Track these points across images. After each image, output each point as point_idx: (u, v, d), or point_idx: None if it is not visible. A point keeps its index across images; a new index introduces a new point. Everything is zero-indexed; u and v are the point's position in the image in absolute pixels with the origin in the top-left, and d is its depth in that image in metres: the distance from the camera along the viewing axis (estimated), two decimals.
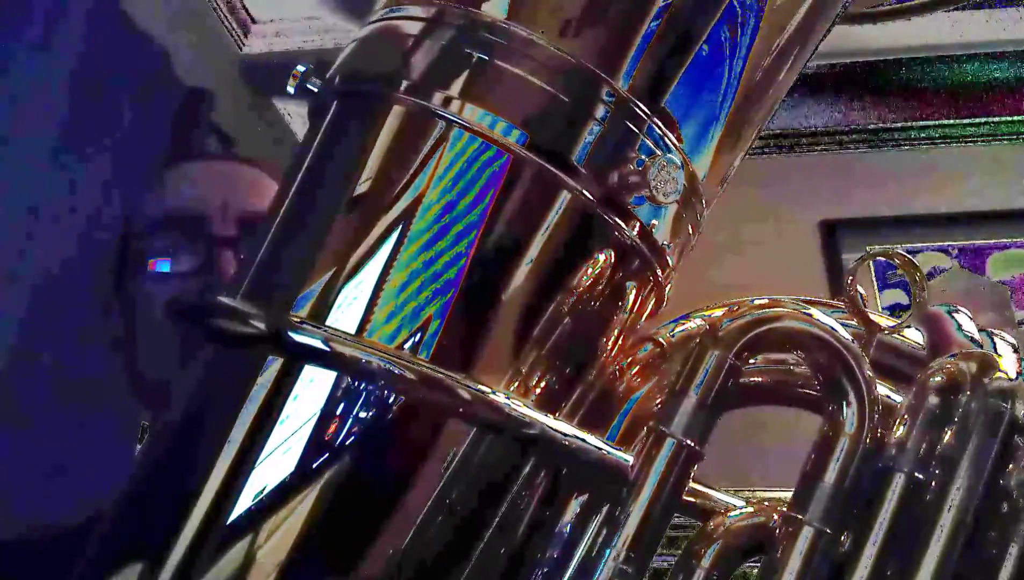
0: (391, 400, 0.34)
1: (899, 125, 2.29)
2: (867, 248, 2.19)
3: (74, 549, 0.36)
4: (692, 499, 0.43)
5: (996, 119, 2.26)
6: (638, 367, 0.41)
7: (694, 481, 0.40)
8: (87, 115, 1.31)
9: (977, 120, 2.26)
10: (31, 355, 1.18)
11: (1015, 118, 2.25)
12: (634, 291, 0.39)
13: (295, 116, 2.15)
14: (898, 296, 2.18)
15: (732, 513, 0.41)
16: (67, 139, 1.27)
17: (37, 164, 1.24)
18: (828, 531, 0.37)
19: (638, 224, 0.37)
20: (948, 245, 2.25)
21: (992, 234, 2.24)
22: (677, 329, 0.42)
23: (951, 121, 2.27)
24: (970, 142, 2.28)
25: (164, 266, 0.80)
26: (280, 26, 2.04)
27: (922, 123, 2.28)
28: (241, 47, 2.02)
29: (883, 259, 0.39)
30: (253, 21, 2.03)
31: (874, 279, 2.16)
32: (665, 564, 0.40)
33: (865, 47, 2.11)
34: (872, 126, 2.29)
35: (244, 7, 2.00)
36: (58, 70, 1.27)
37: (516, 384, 0.36)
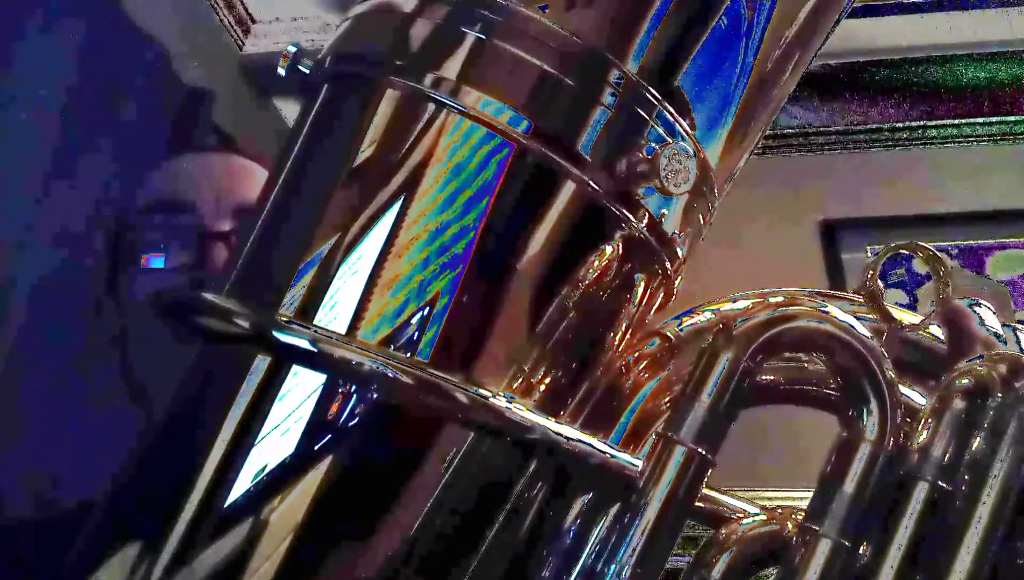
0: (385, 402, 0.32)
1: (900, 125, 2.29)
2: (867, 248, 2.19)
3: (71, 534, 0.35)
4: (702, 504, 0.41)
5: (996, 119, 2.26)
6: (645, 362, 0.40)
7: (705, 487, 0.38)
8: (87, 115, 1.30)
9: (977, 120, 2.26)
10: (29, 356, 1.17)
11: (1015, 118, 2.25)
12: (642, 284, 0.38)
13: (295, 116, 2.14)
14: (898, 296, 2.17)
15: (745, 520, 0.40)
16: (67, 139, 1.26)
17: (37, 164, 1.24)
18: (846, 543, 0.35)
19: (647, 215, 0.36)
20: (948, 245, 2.25)
21: (992, 234, 2.24)
22: (685, 323, 0.41)
23: (951, 121, 2.27)
24: (970, 142, 2.28)
25: (157, 262, 0.79)
26: (280, 26, 2.04)
27: (923, 123, 2.28)
28: (241, 47, 2.02)
29: (907, 252, 0.38)
30: (253, 21, 2.03)
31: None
32: (679, 564, 0.39)
33: (865, 47, 2.11)
34: (873, 126, 2.29)
35: (244, 7, 2.00)
36: (58, 70, 1.27)
37: (520, 381, 0.34)
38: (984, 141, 2.27)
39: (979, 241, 2.23)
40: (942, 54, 2.13)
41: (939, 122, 2.26)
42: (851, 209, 2.22)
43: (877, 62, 2.15)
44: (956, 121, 2.26)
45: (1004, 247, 2.23)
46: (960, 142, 2.27)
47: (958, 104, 2.24)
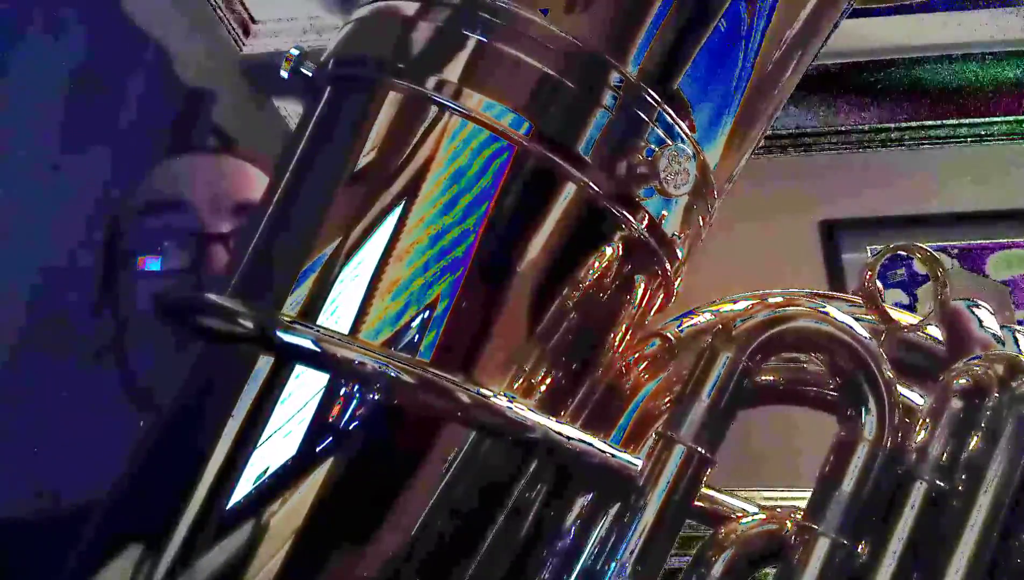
0: (387, 402, 0.32)
1: (899, 125, 2.28)
2: (867, 248, 2.19)
3: (72, 536, 0.35)
4: (701, 503, 0.41)
5: (996, 119, 2.26)
6: (646, 363, 0.40)
7: (704, 486, 0.38)
8: (87, 115, 1.30)
9: (977, 120, 2.26)
10: (28, 357, 1.17)
11: (1015, 118, 2.25)
12: (642, 285, 0.38)
13: (295, 116, 2.14)
14: (898, 296, 2.17)
15: (744, 520, 0.40)
16: (67, 140, 1.26)
17: (37, 165, 1.24)
18: (844, 542, 0.35)
19: (647, 216, 0.36)
20: (948, 245, 2.25)
21: (992, 234, 2.23)
22: (685, 324, 0.41)
23: (951, 121, 2.27)
24: (970, 142, 2.28)
25: (154, 265, 0.78)
26: (280, 26, 2.04)
27: (922, 123, 2.28)
28: (241, 47, 2.02)
29: (905, 253, 0.38)
30: (253, 21, 2.03)
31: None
32: (679, 563, 0.39)
33: (865, 47, 2.10)
34: (872, 126, 2.28)
35: (244, 7, 1.99)
36: (58, 70, 1.27)
37: (521, 381, 0.34)
38: (984, 141, 2.27)
39: (979, 241, 2.22)
40: (942, 54, 2.13)
41: (939, 122, 2.26)
42: (851, 209, 2.22)
43: (877, 62, 2.15)
44: (956, 121, 2.26)
45: (1004, 247, 2.22)
46: (960, 142, 2.27)
47: (958, 104, 2.23)
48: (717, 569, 0.38)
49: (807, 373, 0.41)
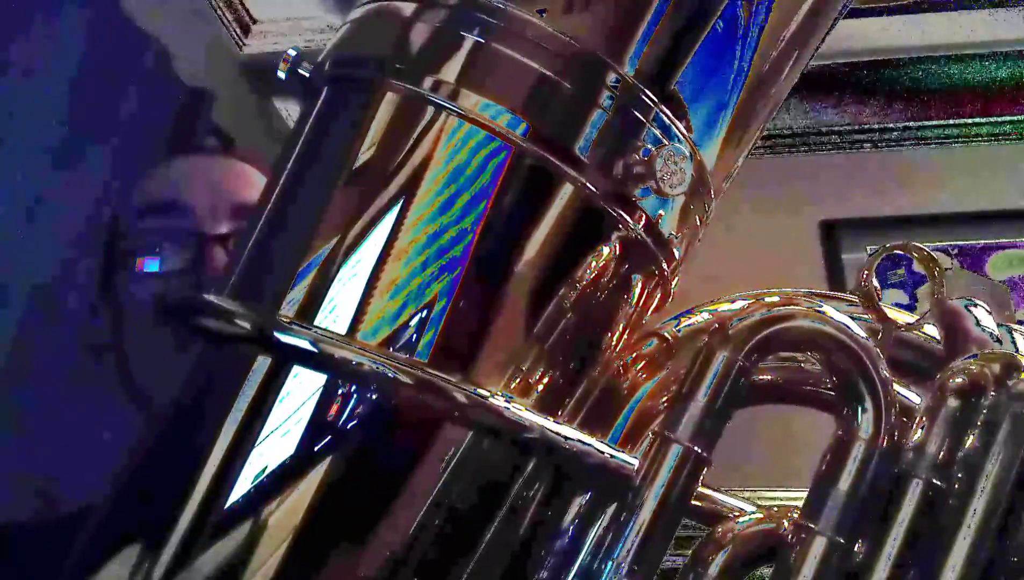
0: (385, 402, 0.32)
1: (899, 125, 2.28)
2: (867, 248, 2.19)
3: (71, 537, 0.35)
4: (698, 503, 0.41)
5: (996, 119, 2.26)
6: (643, 363, 0.40)
7: (701, 485, 0.38)
8: (87, 115, 1.30)
9: (977, 120, 2.26)
10: (28, 357, 1.17)
11: (1015, 118, 2.25)
12: (639, 284, 0.38)
13: (295, 116, 2.14)
14: (897, 296, 2.17)
15: (741, 519, 0.40)
16: (67, 139, 1.26)
17: (37, 165, 1.24)
18: (841, 541, 0.35)
19: (643, 216, 0.36)
20: (948, 245, 2.24)
21: (992, 234, 2.23)
22: (683, 323, 0.41)
23: (951, 121, 2.27)
24: (970, 142, 2.28)
25: (153, 266, 0.78)
26: (280, 26, 2.04)
27: (922, 123, 2.28)
28: (241, 47, 2.02)
29: (902, 252, 0.38)
30: (253, 21, 2.03)
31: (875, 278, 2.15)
32: (675, 563, 0.39)
33: (865, 47, 2.10)
34: (872, 126, 2.28)
35: (244, 7, 2.00)
36: (58, 70, 1.27)
37: (518, 381, 0.34)
38: (984, 141, 2.27)
39: (979, 241, 2.22)
40: (942, 54, 2.13)
41: (939, 122, 2.26)
42: (851, 209, 2.22)
43: (877, 62, 2.15)
44: (956, 121, 2.26)
45: (1004, 247, 2.22)
46: (960, 142, 2.27)
47: (958, 104, 2.24)
48: (714, 568, 0.38)
49: (804, 372, 0.41)
